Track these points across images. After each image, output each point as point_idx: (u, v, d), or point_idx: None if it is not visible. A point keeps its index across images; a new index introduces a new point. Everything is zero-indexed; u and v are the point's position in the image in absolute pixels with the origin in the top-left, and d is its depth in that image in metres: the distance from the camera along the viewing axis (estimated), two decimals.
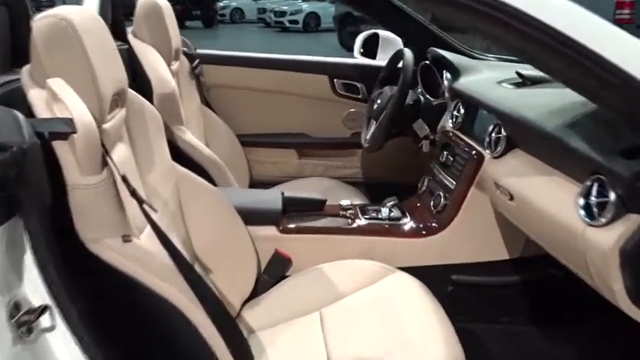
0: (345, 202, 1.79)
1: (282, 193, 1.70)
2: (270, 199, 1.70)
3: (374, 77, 2.26)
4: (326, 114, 2.45)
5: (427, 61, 2.13)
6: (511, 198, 1.41)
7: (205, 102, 2.33)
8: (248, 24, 19.60)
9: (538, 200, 1.23)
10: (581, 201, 1.05)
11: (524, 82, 1.70)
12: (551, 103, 1.33)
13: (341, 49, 11.49)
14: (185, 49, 2.22)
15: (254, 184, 2.40)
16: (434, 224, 1.68)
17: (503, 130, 1.50)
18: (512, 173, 1.43)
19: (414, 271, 1.52)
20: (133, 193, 1.00)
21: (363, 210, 1.78)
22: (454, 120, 1.85)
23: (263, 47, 13.26)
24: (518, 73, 1.71)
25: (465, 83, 1.86)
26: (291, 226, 1.66)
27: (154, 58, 1.83)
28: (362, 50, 2.63)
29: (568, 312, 1.65)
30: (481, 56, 2.17)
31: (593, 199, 1.02)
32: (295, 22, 16.69)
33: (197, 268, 1.34)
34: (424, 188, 1.85)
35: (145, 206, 1.03)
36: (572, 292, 1.43)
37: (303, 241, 1.65)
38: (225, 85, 2.39)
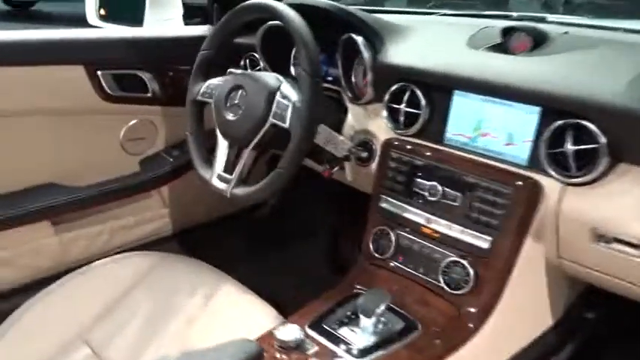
0: (286, 333, 0.86)
1: None
2: None
3: (168, 59, 1.36)
4: (90, 138, 1.30)
5: (272, 22, 1.24)
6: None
7: None
8: None
9: None
10: None
11: (506, 42, 1.04)
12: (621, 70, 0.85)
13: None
14: None
15: None
16: (466, 319, 0.93)
17: (601, 134, 0.82)
18: (635, 207, 0.80)
19: None
20: None
21: (329, 334, 0.89)
22: (401, 121, 1.08)
23: None
24: (506, 30, 1.03)
25: (409, 54, 1.08)
26: None
27: None
28: (103, 12, 1.51)
29: None
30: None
31: None
32: None
33: None
34: (392, 250, 1.04)
35: None
36: None
37: None
38: None
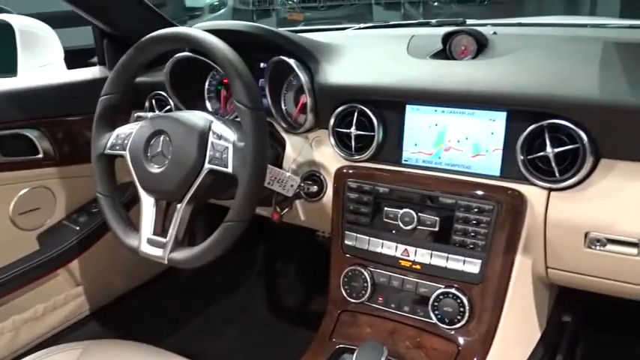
0: None
1: None
2: None
3: (56, 111, 1.16)
4: None
5: (181, 54, 1.09)
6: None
7: None
8: None
9: None
10: None
11: (447, 49, 0.98)
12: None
13: None
14: None
15: None
16: (467, 355, 0.83)
17: (583, 133, 0.77)
18: (626, 204, 0.76)
19: None
20: None
21: None
22: (354, 145, 0.96)
23: None
24: (446, 36, 0.97)
25: (350, 72, 0.98)
26: None
27: None
28: None
29: None
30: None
31: None
32: None
33: None
34: (369, 290, 0.92)
35: None
36: None
37: None
38: None
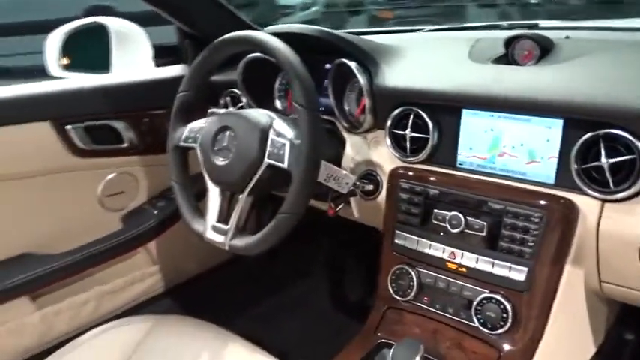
0: None
1: None
2: None
3: (141, 105, 1.26)
4: (65, 199, 1.18)
5: (253, 55, 1.16)
6: None
7: None
8: None
9: None
10: None
11: (511, 53, 0.97)
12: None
13: None
14: None
15: None
16: None
17: (637, 144, 0.75)
18: None
19: None
20: None
21: None
22: (409, 147, 0.99)
23: None
24: (509, 40, 0.96)
25: (408, 75, 1.00)
26: None
27: None
28: (67, 61, 1.40)
29: None
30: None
31: None
32: None
33: None
34: (415, 290, 0.94)
35: None
36: None
37: None
38: None
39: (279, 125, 0.93)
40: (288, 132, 0.90)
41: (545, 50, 0.95)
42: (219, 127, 0.98)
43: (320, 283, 1.64)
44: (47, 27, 1.45)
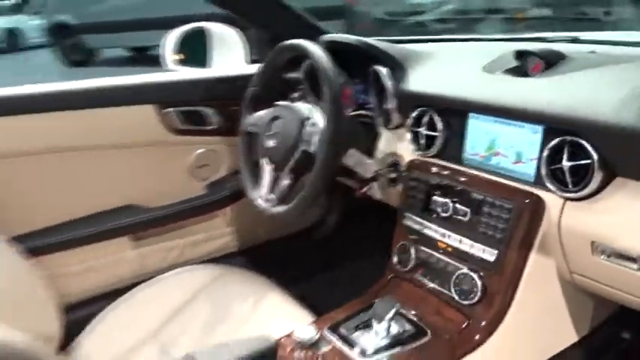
0: (303, 332, 0.96)
1: None
2: None
3: (226, 96, 1.51)
4: (162, 166, 1.51)
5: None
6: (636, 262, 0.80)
7: None
8: None
9: None
10: None
11: (523, 66, 1.10)
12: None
13: (61, 67, 9.69)
14: None
15: (70, 311, 1.33)
16: (475, 327, 0.98)
17: (592, 150, 0.86)
18: (636, 222, 0.82)
19: None
20: None
21: (344, 337, 0.98)
22: (423, 143, 1.16)
23: None
24: (519, 54, 1.09)
25: (428, 81, 1.17)
26: None
27: None
28: (178, 57, 1.73)
29: None
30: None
31: None
32: None
33: None
34: (412, 263, 1.11)
35: None
36: None
37: None
38: None
39: (317, 117, 1.15)
40: (321, 123, 1.12)
41: (550, 64, 1.06)
42: (272, 116, 1.23)
43: (374, 261, 1.83)
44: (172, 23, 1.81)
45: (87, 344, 1.20)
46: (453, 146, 1.11)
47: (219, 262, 1.61)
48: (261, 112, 1.30)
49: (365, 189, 1.25)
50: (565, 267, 0.95)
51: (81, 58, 9.56)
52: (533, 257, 0.96)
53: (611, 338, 1.11)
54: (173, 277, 1.39)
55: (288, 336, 0.99)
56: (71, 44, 9.48)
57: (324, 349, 0.96)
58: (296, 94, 1.56)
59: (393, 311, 0.96)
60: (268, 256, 1.68)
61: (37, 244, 1.31)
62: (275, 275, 1.37)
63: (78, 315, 1.32)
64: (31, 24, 13.67)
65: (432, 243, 1.09)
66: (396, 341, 0.96)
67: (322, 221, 1.81)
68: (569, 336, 1.04)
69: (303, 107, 1.20)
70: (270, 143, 1.21)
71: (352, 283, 1.75)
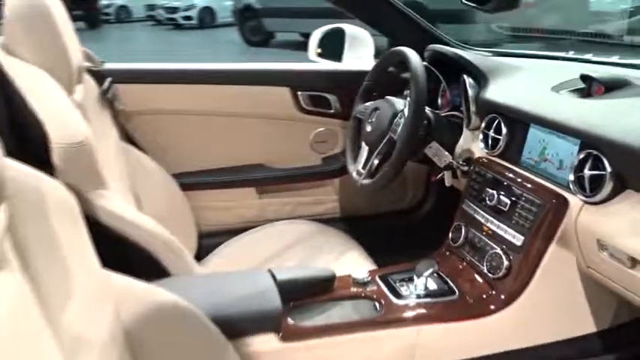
0: (359, 274, 1.25)
1: (272, 275, 1.13)
2: (259, 290, 1.11)
3: (347, 86, 1.80)
4: (289, 137, 1.88)
5: (425, 63, 1.63)
6: (634, 264, 0.96)
7: (126, 137, 1.67)
8: (136, 22, 18.12)
9: None
10: None
11: (589, 88, 1.25)
12: None
13: (243, 45, 10.85)
14: (89, 64, 1.53)
15: (203, 237, 1.78)
16: (496, 297, 1.19)
17: (607, 164, 1.03)
18: (631, 227, 0.97)
19: None
20: None
21: (389, 283, 1.25)
22: (490, 143, 1.36)
23: (157, 47, 12.25)
24: (583, 77, 1.25)
25: (503, 92, 1.37)
26: (299, 328, 1.10)
27: (45, 88, 1.14)
28: (320, 51, 2.08)
29: None
30: (487, 53, 1.69)
31: None
32: (189, 17, 15.61)
33: None
34: (461, 240, 1.34)
35: None
36: None
37: (320, 349, 1.09)
38: (151, 111, 1.74)
39: (406, 112, 1.42)
40: (407, 116, 1.39)
41: (609, 88, 1.20)
42: (374, 107, 1.53)
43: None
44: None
45: (211, 264, 1.61)
46: (513, 149, 1.31)
47: (321, 223, 1.95)
48: (368, 103, 1.60)
49: (439, 176, 1.49)
50: (582, 260, 1.12)
51: (259, 39, 10.60)
52: (554, 247, 1.14)
53: (632, 339, 1.23)
54: (283, 225, 1.76)
55: (348, 275, 1.29)
56: (252, 26, 10.56)
57: (370, 288, 1.24)
58: (406, 92, 1.84)
59: (430, 270, 1.21)
60: (362, 226, 1.97)
61: (188, 181, 1.76)
62: (363, 243, 1.65)
63: (207, 242, 1.75)
64: (223, 4, 15.27)
65: (478, 226, 1.30)
66: (426, 294, 1.21)
67: (418, 206, 2.06)
68: (586, 325, 1.20)
69: (401, 103, 1.48)
70: (369, 128, 1.51)
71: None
